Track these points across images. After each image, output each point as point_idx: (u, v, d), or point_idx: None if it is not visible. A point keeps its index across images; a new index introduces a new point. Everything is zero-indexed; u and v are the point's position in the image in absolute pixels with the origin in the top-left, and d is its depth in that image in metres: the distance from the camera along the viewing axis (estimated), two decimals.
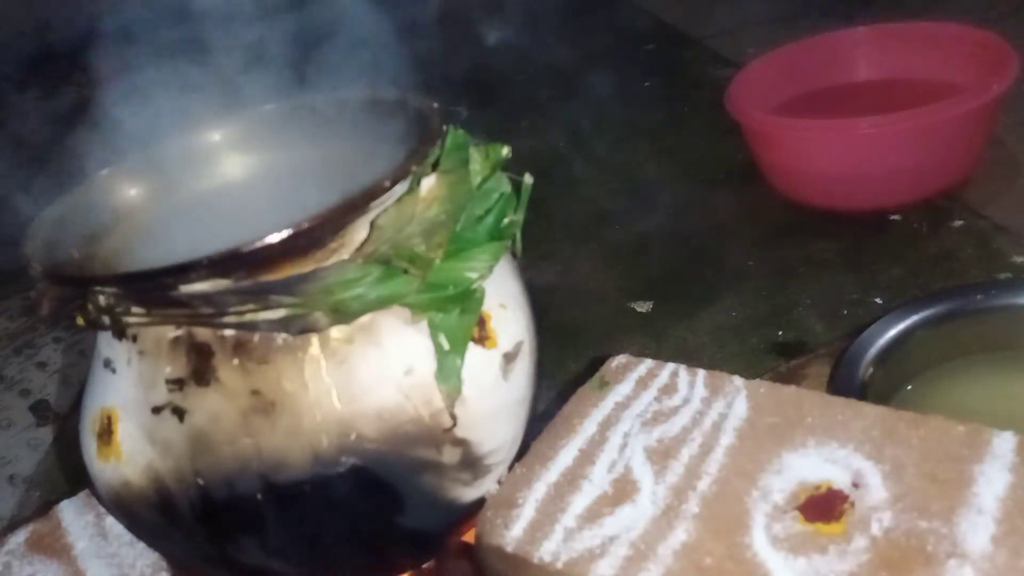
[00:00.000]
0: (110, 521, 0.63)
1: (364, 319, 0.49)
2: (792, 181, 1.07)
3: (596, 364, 0.60)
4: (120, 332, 0.50)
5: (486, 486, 0.53)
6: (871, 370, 0.69)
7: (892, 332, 0.72)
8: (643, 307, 0.97)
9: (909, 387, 0.71)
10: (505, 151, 0.54)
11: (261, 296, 0.47)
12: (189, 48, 0.65)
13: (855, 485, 0.46)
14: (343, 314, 0.48)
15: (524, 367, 0.55)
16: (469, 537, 0.54)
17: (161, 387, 0.49)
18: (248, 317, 0.47)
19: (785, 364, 0.82)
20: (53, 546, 0.62)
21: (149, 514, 0.52)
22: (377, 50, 0.60)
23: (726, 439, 0.51)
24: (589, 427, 0.54)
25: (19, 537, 0.64)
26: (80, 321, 0.49)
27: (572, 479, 0.51)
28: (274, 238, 0.45)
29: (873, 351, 0.70)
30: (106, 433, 0.52)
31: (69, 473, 0.92)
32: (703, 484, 0.49)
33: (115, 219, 0.59)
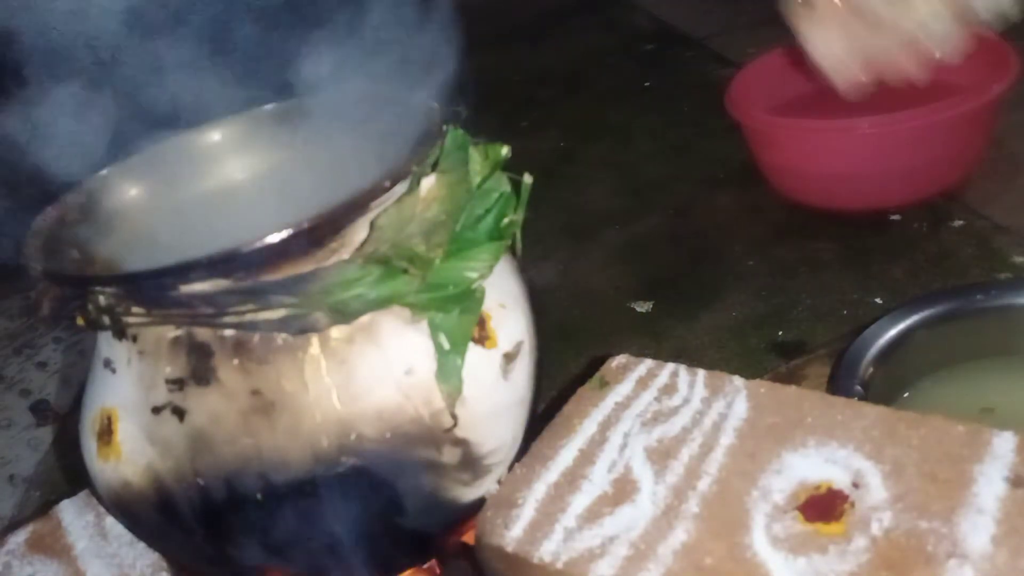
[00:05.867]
0: (110, 521, 0.62)
1: (364, 319, 0.49)
2: (792, 181, 1.07)
3: (596, 364, 0.60)
4: (120, 332, 0.50)
5: (486, 486, 0.53)
6: (871, 370, 0.69)
7: (892, 332, 0.72)
8: (643, 307, 0.97)
9: (910, 389, 0.71)
10: (505, 151, 0.54)
11: (261, 296, 0.47)
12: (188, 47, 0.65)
13: (855, 485, 0.46)
14: (343, 314, 0.48)
15: (524, 367, 0.55)
16: (469, 537, 0.54)
17: (161, 387, 0.49)
18: (248, 317, 0.47)
19: (785, 364, 0.82)
20: (53, 546, 0.62)
21: (149, 514, 0.52)
22: (377, 50, 0.60)
23: (726, 439, 0.51)
24: (589, 427, 0.54)
25: (19, 537, 0.64)
26: (80, 321, 0.49)
27: (572, 479, 0.51)
28: (274, 238, 0.45)
29: (873, 351, 0.70)
30: (106, 433, 0.52)
31: (69, 473, 0.92)
32: (703, 484, 0.49)
33: (115, 219, 0.59)
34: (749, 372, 0.56)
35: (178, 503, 0.50)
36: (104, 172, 0.60)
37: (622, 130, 1.38)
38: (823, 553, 0.43)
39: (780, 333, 0.88)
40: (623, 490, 0.50)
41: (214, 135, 0.65)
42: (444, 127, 0.53)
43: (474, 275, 0.51)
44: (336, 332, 0.49)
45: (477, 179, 0.53)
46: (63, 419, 1.02)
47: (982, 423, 0.48)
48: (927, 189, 1.00)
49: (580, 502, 0.49)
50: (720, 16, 1.68)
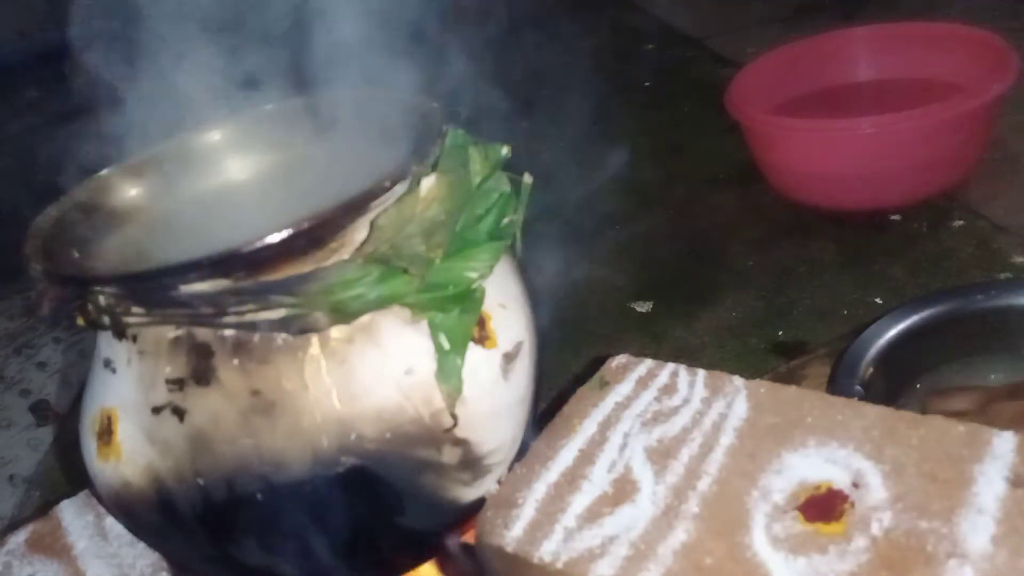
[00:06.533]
0: (110, 521, 0.63)
1: (364, 319, 0.49)
2: (792, 181, 1.07)
3: (596, 364, 0.60)
4: (120, 332, 0.50)
5: (486, 486, 0.53)
6: (871, 370, 0.69)
7: (892, 332, 0.72)
8: (643, 307, 0.97)
9: (909, 390, 0.71)
10: (505, 151, 0.54)
11: (261, 296, 0.47)
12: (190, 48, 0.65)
13: (855, 485, 0.46)
14: (343, 314, 0.48)
15: (524, 367, 0.55)
16: (469, 537, 0.54)
17: (161, 387, 0.49)
18: (248, 317, 0.47)
19: (785, 364, 0.82)
20: (53, 546, 0.62)
21: (149, 514, 0.52)
22: (378, 50, 0.61)
23: (726, 439, 0.51)
24: (589, 427, 0.54)
25: (19, 537, 0.64)
26: (80, 321, 0.49)
27: (572, 479, 0.51)
28: (274, 238, 0.45)
29: (873, 351, 0.70)
30: (106, 433, 0.52)
31: (69, 473, 0.92)
32: (703, 484, 0.49)
33: (115, 219, 0.59)
34: (749, 372, 0.56)
35: (178, 503, 0.50)
36: (104, 172, 0.60)
37: (622, 130, 1.38)
38: (823, 553, 0.43)
39: (780, 333, 0.88)
40: (623, 490, 0.50)
41: (214, 135, 0.65)
42: (444, 127, 0.53)
43: (474, 275, 0.51)
44: (336, 332, 0.49)
45: (477, 179, 0.53)
46: (63, 419, 1.02)
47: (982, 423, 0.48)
48: (927, 189, 1.00)
49: (580, 502, 0.49)
50: (720, 16, 1.68)
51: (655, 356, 0.59)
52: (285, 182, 0.64)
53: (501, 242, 0.53)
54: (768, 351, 0.86)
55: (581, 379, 0.59)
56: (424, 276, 0.49)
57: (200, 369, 0.49)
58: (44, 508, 0.67)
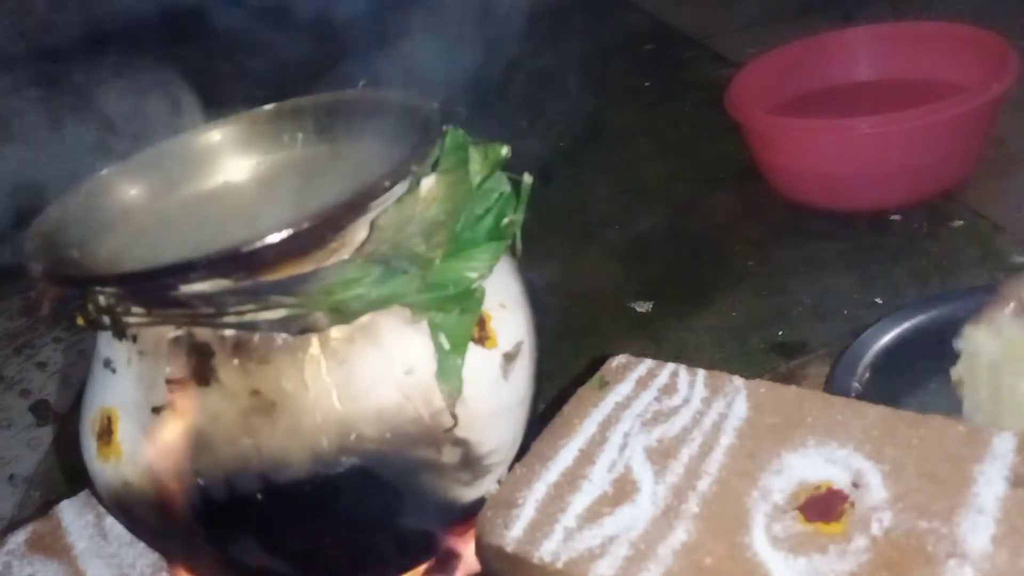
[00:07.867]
0: (110, 521, 0.62)
1: (364, 319, 0.49)
2: (792, 181, 1.07)
3: (596, 364, 0.60)
4: (120, 332, 0.50)
5: (486, 486, 0.53)
6: (867, 375, 0.69)
7: (888, 337, 0.71)
8: (643, 307, 0.97)
9: (908, 393, 0.71)
10: (505, 151, 0.54)
11: (261, 296, 0.47)
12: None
13: (855, 485, 0.46)
14: (343, 314, 0.48)
15: (524, 367, 0.55)
16: (469, 537, 0.54)
17: (161, 387, 0.49)
18: (248, 317, 0.47)
19: (785, 364, 0.82)
20: (53, 546, 0.62)
21: (149, 514, 0.52)
22: (378, 51, 0.61)
23: (726, 439, 0.51)
24: (589, 427, 0.54)
25: (19, 537, 0.64)
26: (80, 321, 0.49)
27: (572, 479, 0.51)
28: (274, 238, 0.45)
29: (869, 356, 0.70)
30: (106, 433, 0.52)
31: (69, 473, 0.92)
32: (703, 484, 0.49)
33: (115, 219, 0.59)
34: (749, 372, 0.56)
35: (178, 503, 0.50)
36: (104, 172, 0.60)
37: (622, 130, 1.38)
38: (823, 553, 0.43)
39: (780, 333, 0.88)
40: (623, 490, 0.50)
41: (214, 135, 0.65)
42: (444, 127, 0.53)
43: (474, 275, 0.51)
44: (336, 332, 0.49)
45: (477, 179, 0.53)
46: (63, 419, 1.02)
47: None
48: (927, 189, 1.00)
49: (580, 502, 0.49)
50: (720, 16, 1.68)
51: (655, 356, 0.59)
52: (285, 182, 0.64)
53: (501, 242, 0.53)
54: (768, 351, 0.86)
55: (581, 379, 0.59)
56: (424, 276, 0.49)
57: (200, 369, 0.49)
58: (44, 508, 0.67)
